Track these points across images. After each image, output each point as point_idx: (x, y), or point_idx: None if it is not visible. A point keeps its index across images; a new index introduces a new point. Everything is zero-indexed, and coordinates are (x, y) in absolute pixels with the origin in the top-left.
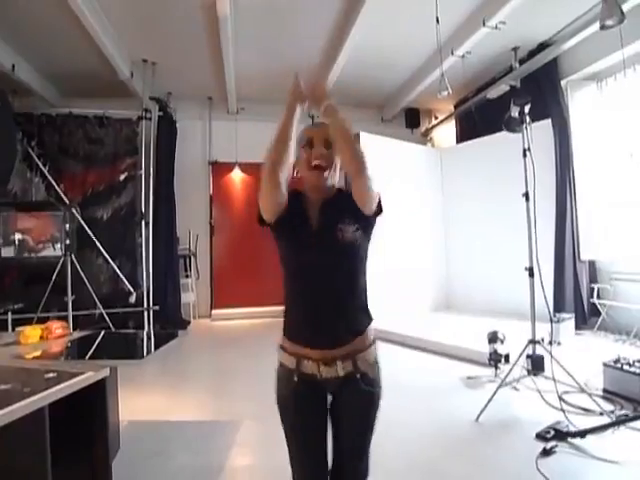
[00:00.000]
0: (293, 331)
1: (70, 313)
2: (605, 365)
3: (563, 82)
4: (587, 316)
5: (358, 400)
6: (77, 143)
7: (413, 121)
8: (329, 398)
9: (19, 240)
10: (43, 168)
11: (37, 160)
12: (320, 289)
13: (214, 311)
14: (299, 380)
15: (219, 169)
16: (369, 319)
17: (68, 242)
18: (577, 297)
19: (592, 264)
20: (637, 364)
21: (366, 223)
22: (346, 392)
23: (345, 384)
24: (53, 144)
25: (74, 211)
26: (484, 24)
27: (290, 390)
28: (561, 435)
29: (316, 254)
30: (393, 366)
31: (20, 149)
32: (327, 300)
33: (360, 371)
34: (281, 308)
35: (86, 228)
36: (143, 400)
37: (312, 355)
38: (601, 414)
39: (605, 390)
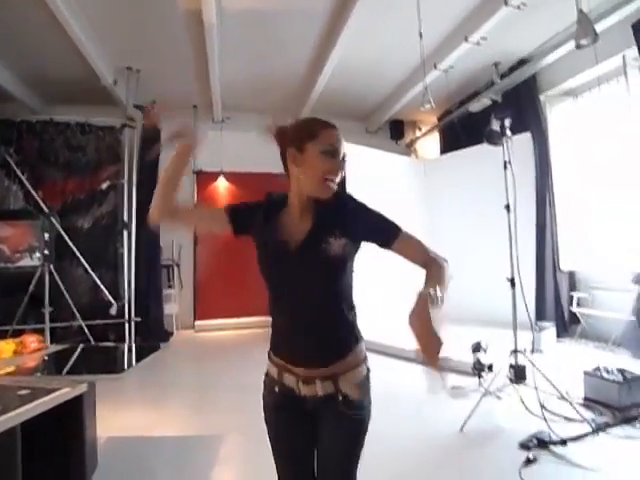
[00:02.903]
0: (275, 344)
1: (47, 325)
2: (585, 373)
3: (542, 97)
4: (568, 324)
5: (339, 423)
6: (57, 150)
7: (397, 132)
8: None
9: None
10: (21, 175)
11: (15, 167)
12: (299, 306)
13: (197, 322)
14: (280, 392)
15: (204, 178)
16: (356, 339)
17: (46, 252)
18: (558, 306)
19: (572, 274)
20: (615, 372)
21: (360, 242)
22: (326, 413)
23: (325, 404)
24: (32, 151)
25: (53, 220)
26: (466, 40)
27: (272, 400)
28: (543, 444)
29: (296, 268)
30: (376, 376)
31: None
32: (306, 319)
33: (342, 393)
34: (266, 319)
35: (65, 237)
36: (123, 415)
37: (293, 370)
38: (582, 422)
39: (586, 398)
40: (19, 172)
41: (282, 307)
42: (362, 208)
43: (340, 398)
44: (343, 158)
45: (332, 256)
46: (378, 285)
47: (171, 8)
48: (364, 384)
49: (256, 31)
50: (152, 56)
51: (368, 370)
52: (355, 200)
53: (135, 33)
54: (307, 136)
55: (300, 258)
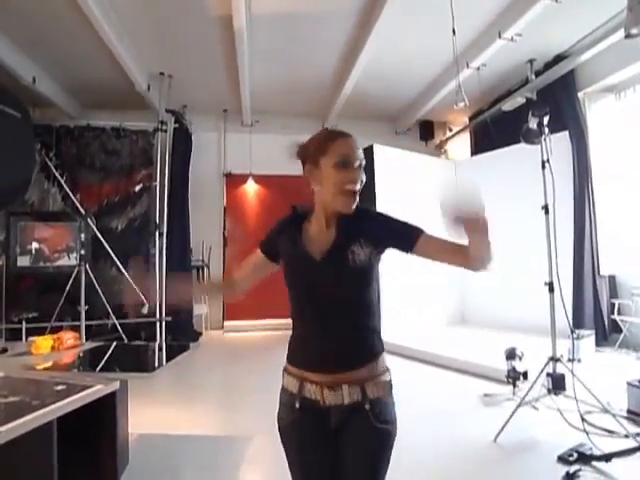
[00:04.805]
0: (296, 353)
1: (83, 323)
2: (629, 384)
3: (580, 94)
4: (608, 333)
5: (366, 436)
6: (94, 154)
7: (427, 133)
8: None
9: (35, 249)
10: (60, 179)
11: (54, 171)
12: (327, 313)
13: (226, 323)
14: (301, 407)
15: (233, 181)
16: (382, 347)
17: (83, 252)
18: (597, 313)
19: (612, 279)
20: None
21: (384, 249)
22: (352, 427)
23: (351, 416)
24: (70, 155)
25: (89, 221)
26: (500, 36)
27: (292, 420)
28: (585, 458)
29: (322, 277)
30: (406, 382)
31: (38, 160)
32: (334, 324)
33: (369, 399)
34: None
35: (101, 238)
36: (153, 413)
37: (316, 378)
38: (626, 436)
39: (629, 411)
40: (58, 175)
41: (308, 315)
42: (383, 216)
43: (367, 407)
44: (360, 166)
45: (358, 265)
46: (406, 290)
47: (202, 15)
48: (389, 392)
49: (285, 35)
50: (184, 62)
51: (391, 380)
52: (375, 211)
53: (167, 40)
54: (319, 150)
55: (326, 267)
